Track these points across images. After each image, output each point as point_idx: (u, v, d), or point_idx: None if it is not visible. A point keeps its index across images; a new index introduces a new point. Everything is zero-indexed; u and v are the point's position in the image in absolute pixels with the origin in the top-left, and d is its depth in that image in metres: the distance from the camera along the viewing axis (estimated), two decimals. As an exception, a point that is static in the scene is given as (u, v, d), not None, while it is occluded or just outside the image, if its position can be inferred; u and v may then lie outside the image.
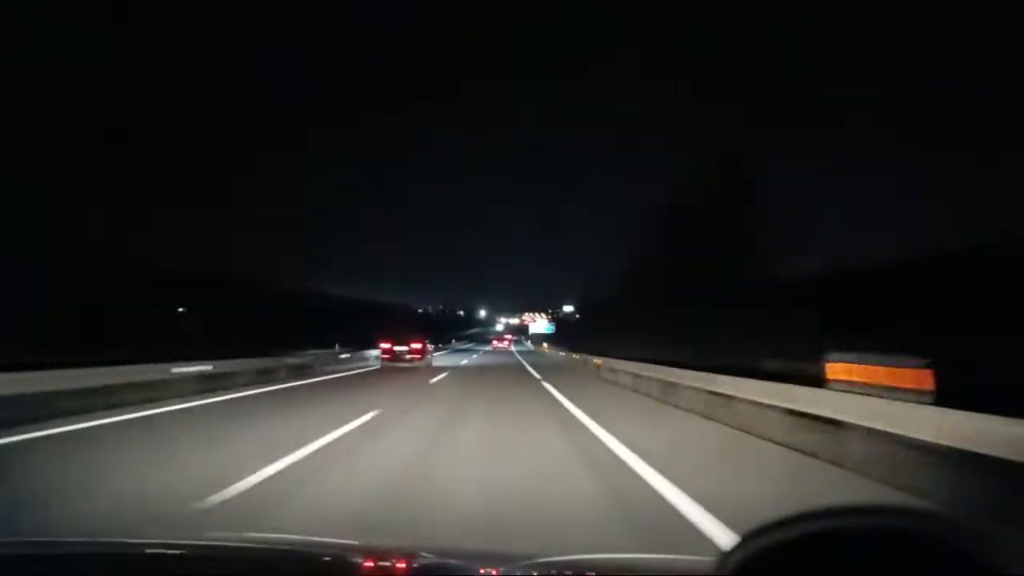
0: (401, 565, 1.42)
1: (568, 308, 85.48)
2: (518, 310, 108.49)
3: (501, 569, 1.39)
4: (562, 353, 31.25)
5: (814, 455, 5.18)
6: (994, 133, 9.29)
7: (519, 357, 33.96)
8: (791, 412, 5.64)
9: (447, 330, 71.51)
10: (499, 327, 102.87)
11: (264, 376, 13.93)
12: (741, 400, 6.80)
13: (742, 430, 6.66)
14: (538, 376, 17.12)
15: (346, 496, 4.01)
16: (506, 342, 64.35)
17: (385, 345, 21.84)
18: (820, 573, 0.68)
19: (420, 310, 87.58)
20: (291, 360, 16.37)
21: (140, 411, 8.22)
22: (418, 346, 21.89)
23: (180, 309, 18.33)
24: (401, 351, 21.44)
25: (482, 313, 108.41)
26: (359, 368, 20.94)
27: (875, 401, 4.53)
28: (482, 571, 1.42)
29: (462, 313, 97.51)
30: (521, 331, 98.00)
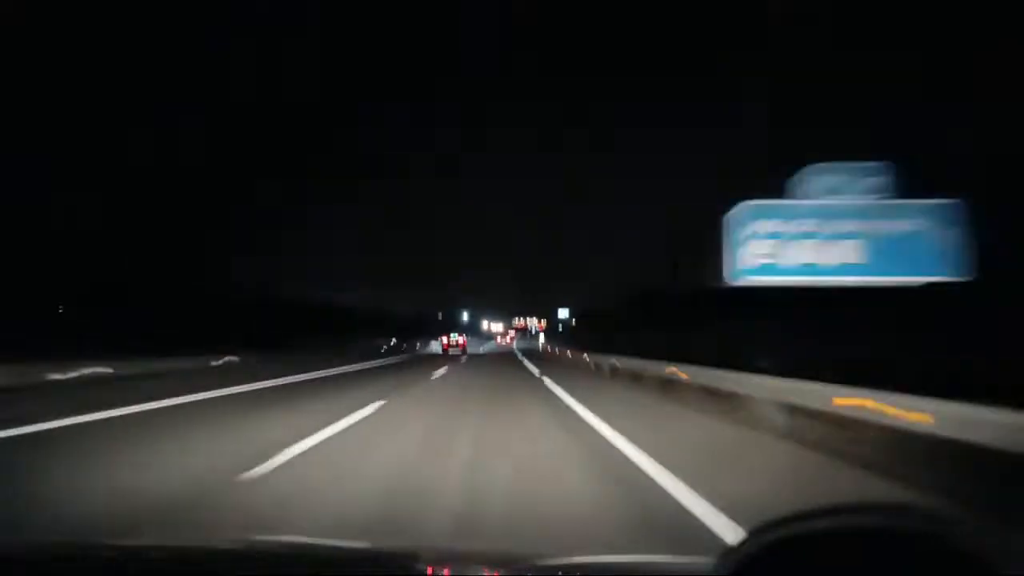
0: (401, 565, 1.47)
1: (563, 313, 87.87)
2: (507, 314, 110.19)
3: (502, 571, 1.44)
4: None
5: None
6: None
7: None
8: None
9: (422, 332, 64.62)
10: (454, 336, 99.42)
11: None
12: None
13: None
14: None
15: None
16: (508, 339, 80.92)
17: (444, 340, 43.32)
18: (820, 572, 0.68)
19: (429, 313, 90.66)
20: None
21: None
22: (462, 341, 43.55)
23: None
24: (453, 344, 42.62)
25: (465, 316, 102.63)
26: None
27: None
28: (484, 572, 1.48)
29: (440, 316, 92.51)
30: (522, 332, 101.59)
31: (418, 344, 46.52)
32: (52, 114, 27.45)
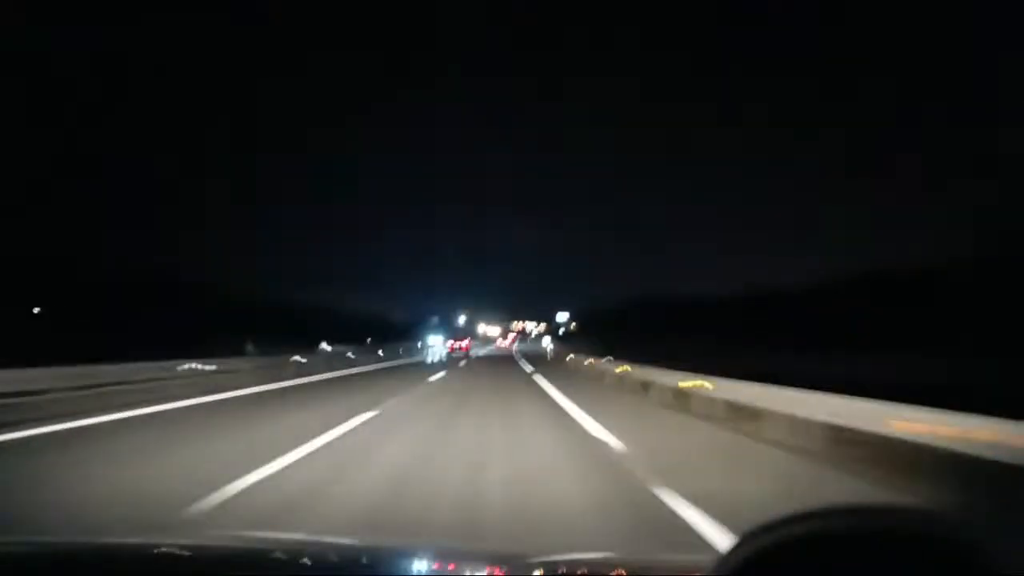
0: (402, 565, 1.47)
1: (563, 316, 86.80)
2: (505, 318, 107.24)
3: (503, 569, 1.46)
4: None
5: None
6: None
7: None
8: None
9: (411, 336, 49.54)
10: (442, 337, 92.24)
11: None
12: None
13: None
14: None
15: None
16: (508, 343, 78.51)
17: (451, 343, 42.32)
18: (820, 573, 0.68)
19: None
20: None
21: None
22: (466, 343, 42.82)
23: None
24: (459, 346, 41.64)
25: (461, 320, 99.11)
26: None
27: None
28: (485, 572, 1.50)
29: (436, 319, 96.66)
30: (522, 335, 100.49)
31: (382, 350, 31.26)
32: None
